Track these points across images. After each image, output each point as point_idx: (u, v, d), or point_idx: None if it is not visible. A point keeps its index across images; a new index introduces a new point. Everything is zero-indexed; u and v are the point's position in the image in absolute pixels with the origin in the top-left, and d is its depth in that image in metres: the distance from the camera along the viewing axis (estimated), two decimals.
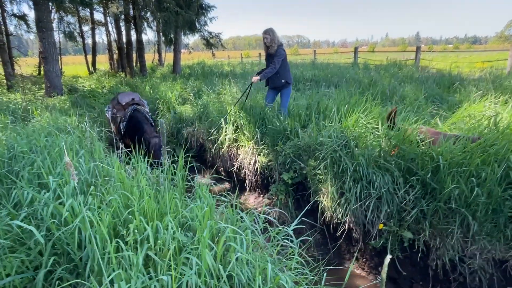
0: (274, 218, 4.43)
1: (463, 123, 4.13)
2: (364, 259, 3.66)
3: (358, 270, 3.70)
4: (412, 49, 11.21)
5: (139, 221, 1.72)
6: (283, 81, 5.21)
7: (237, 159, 5.23)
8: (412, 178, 3.05)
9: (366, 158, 3.35)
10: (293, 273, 2.05)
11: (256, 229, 2.01)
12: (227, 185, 5.80)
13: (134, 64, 16.07)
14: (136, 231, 1.67)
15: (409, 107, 5.23)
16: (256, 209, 4.97)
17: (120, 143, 4.87)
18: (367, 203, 3.26)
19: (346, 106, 4.17)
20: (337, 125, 3.90)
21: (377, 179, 3.21)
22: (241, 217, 2.22)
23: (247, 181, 5.12)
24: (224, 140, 5.26)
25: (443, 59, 14.21)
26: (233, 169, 5.27)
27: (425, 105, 5.38)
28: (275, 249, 2.03)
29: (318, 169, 3.83)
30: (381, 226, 3.18)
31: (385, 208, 3.17)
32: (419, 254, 3.03)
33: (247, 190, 5.22)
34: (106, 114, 6.00)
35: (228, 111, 5.45)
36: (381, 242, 3.24)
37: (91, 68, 17.36)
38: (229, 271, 1.59)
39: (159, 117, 7.06)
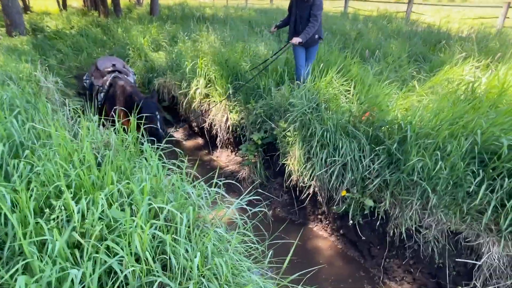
0: (243, 179, 4.43)
1: (440, 87, 3.98)
2: (327, 222, 3.71)
3: (321, 231, 3.77)
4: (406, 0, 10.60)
5: (69, 196, 1.56)
6: (316, 36, 4.20)
7: (209, 115, 5.01)
8: (379, 147, 2.95)
9: (334, 123, 3.22)
10: (243, 247, 2.00)
11: (203, 205, 1.89)
12: (199, 141, 5.64)
13: (109, 1, 14.75)
14: (63, 208, 1.52)
15: (390, 66, 5.01)
16: (227, 166, 4.90)
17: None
18: (331, 169, 3.20)
19: (322, 64, 3.91)
20: (310, 85, 3.68)
21: (343, 146, 3.11)
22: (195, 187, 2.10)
23: (218, 138, 4.96)
24: (195, 95, 4.99)
25: (436, 13, 13.61)
26: (204, 125, 5.07)
27: (407, 64, 5.15)
28: (223, 225, 1.94)
29: (288, 131, 3.70)
30: (344, 193, 3.16)
31: (349, 175, 3.11)
32: (379, 221, 3.06)
33: (219, 147, 5.10)
34: (84, 83, 4.96)
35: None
36: (344, 208, 3.24)
37: (61, 4, 15.87)
38: (163, 255, 1.50)
39: (129, 65, 6.59)
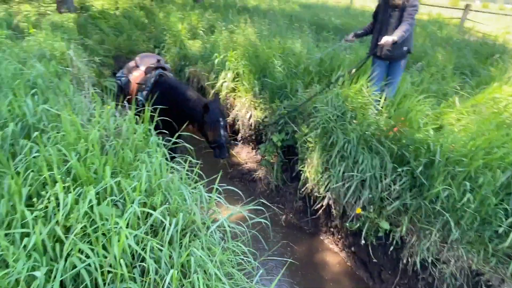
0: (260, 179, 4.32)
1: (484, 107, 3.60)
2: (339, 236, 3.53)
3: (331, 245, 3.60)
4: (463, 5, 9.80)
5: (61, 186, 1.54)
6: (404, 48, 3.53)
7: (233, 109, 4.93)
8: (402, 168, 2.72)
9: (358, 135, 3.00)
10: (236, 259, 1.91)
11: (196, 211, 1.80)
12: None
13: None
14: (51, 199, 1.50)
15: (432, 77, 4.64)
16: (246, 163, 4.81)
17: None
18: (349, 184, 3.00)
19: (354, 70, 3.67)
20: (338, 91, 3.46)
21: (364, 161, 2.90)
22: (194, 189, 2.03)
23: (240, 134, 4.88)
24: (221, 87, 4.92)
25: (496, 22, 12.51)
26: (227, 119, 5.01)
27: (451, 77, 4.74)
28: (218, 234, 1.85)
29: (309, 137, 3.53)
30: (358, 210, 2.96)
31: (367, 192, 2.91)
32: (393, 246, 2.84)
33: (240, 143, 5.02)
34: (118, 81, 4.18)
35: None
36: (357, 225, 3.05)
37: None
38: (141, 262, 1.44)
39: (163, 51, 6.65)
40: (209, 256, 1.66)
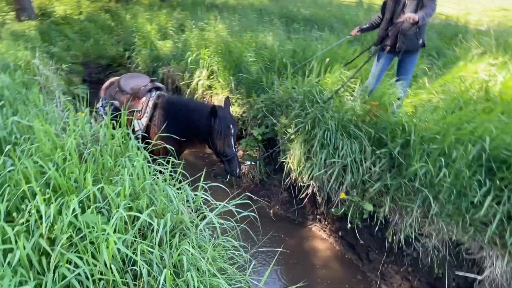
0: (244, 174, 4.32)
1: (452, 86, 3.76)
2: (326, 223, 3.61)
3: (319, 232, 3.67)
4: None
5: (41, 199, 1.49)
6: (420, 41, 3.33)
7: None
8: (381, 150, 2.80)
9: (336, 123, 3.07)
10: (227, 254, 1.92)
11: (183, 210, 1.80)
12: None
13: None
14: (32, 212, 1.45)
15: None
16: None
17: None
18: (330, 171, 3.07)
19: (328, 59, 3.73)
20: (314, 81, 3.52)
21: (344, 147, 2.97)
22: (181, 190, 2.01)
23: None
24: (197, 86, 4.88)
25: (457, 4, 12.99)
26: None
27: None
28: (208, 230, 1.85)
29: (289, 128, 3.57)
30: (342, 195, 3.04)
31: (349, 177, 2.98)
32: (378, 226, 2.93)
33: None
34: (99, 111, 3.40)
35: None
36: (342, 210, 3.13)
37: None
38: (132, 266, 1.43)
39: (134, 54, 6.50)
40: (201, 253, 1.66)
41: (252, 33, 5.82)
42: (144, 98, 3.21)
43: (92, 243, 1.45)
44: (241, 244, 1.95)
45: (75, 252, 1.38)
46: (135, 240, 1.54)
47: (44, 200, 1.52)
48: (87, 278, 1.30)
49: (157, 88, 3.36)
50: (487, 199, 2.30)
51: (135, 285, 1.42)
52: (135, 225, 1.60)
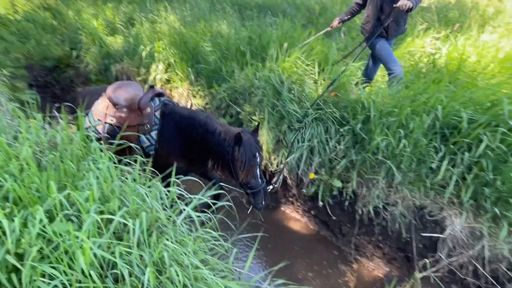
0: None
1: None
2: (298, 204, 3.70)
3: (293, 213, 3.77)
4: None
5: (3, 213, 1.39)
6: (405, 27, 3.56)
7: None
8: (344, 128, 2.91)
9: (301, 106, 3.14)
10: (207, 245, 1.91)
11: (158, 207, 1.76)
12: None
13: None
14: None
15: (354, 41, 4.94)
16: None
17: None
18: (299, 154, 3.14)
19: (286, 43, 3.76)
20: (274, 66, 3.54)
21: (309, 129, 3.04)
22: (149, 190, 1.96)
23: None
24: (155, 81, 4.72)
25: None
26: None
27: None
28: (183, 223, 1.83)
29: (254, 115, 3.59)
30: (312, 175, 3.13)
31: (317, 158, 3.07)
32: (348, 201, 3.07)
33: None
34: (94, 134, 2.70)
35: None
36: (313, 189, 3.22)
37: None
38: (112, 268, 1.39)
39: (82, 52, 6.13)
40: (181, 248, 1.65)
41: (205, 23, 5.71)
42: (148, 109, 2.73)
43: (66, 252, 1.39)
44: (221, 234, 1.96)
45: (48, 264, 1.31)
46: (111, 243, 1.48)
47: (5, 214, 1.42)
48: None
49: (159, 95, 2.87)
50: (443, 163, 2.49)
51: (116, 287, 1.38)
52: (109, 229, 1.54)
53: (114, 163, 2.03)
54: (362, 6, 3.64)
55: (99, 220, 1.45)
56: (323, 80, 3.42)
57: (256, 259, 3.06)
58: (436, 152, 2.57)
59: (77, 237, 1.37)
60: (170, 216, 1.81)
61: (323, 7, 7.32)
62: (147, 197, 1.76)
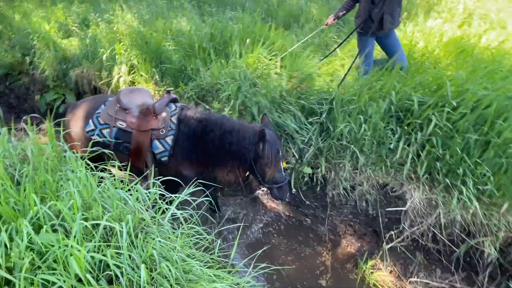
0: None
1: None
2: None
3: (269, 202, 3.92)
4: None
5: None
6: (400, 19, 3.49)
7: None
8: (311, 118, 3.09)
9: (269, 100, 3.27)
10: (192, 240, 2.01)
11: (141, 208, 1.83)
12: None
13: None
14: None
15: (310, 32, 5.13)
16: None
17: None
18: None
19: (248, 39, 3.87)
20: (238, 62, 3.65)
21: (279, 121, 3.19)
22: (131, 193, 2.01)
23: None
24: (119, 83, 4.65)
25: None
26: None
27: (328, 28, 5.32)
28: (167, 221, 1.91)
29: (223, 112, 3.67)
30: (284, 164, 3.29)
31: (288, 147, 3.24)
32: (318, 185, 3.27)
33: None
34: (98, 136, 2.64)
35: None
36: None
37: None
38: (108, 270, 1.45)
39: (36, 58, 5.84)
40: (168, 245, 1.73)
41: (164, 20, 5.65)
42: (164, 114, 2.62)
43: (55, 261, 1.43)
44: (204, 229, 2.06)
45: (41, 273, 1.35)
46: (100, 247, 1.55)
47: None
48: None
49: (174, 100, 2.79)
50: (400, 143, 2.74)
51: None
52: (96, 233, 1.59)
53: (92, 170, 2.06)
54: (355, 1, 3.64)
55: (88, 226, 1.50)
56: (286, 73, 3.57)
57: (239, 248, 3.18)
58: (393, 134, 2.82)
59: (67, 245, 1.42)
60: (154, 217, 1.88)
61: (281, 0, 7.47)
62: (129, 200, 1.82)
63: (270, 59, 3.73)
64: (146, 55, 4.49)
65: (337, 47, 3.90)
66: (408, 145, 2.77)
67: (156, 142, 2.59)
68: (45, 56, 5.80)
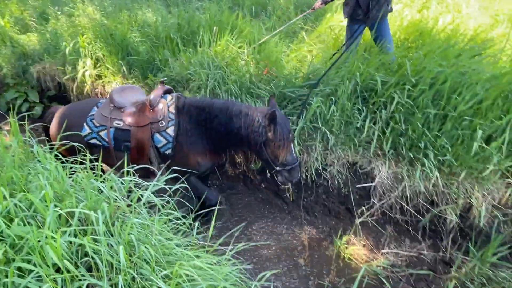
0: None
1: (325, 35, 4.33)
2: (248, 179, 3.93)
3: (245, 187, 3.99)
4: None
5: None
6: (389, 6, 3.40)
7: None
8: (283, 102, 3.16)
9: (238, 87, 3.30)
10: (169, 225, 2.03)
11: (117, 196, 1.83)
12: None
13: None
14: None
15: (279, 21, 5.20)
16: None
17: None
18: None
19: (215, 28, 3.86)
20: (207, 51, 3.64)
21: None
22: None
23: None
24: (84, 78, 4.51)
25: None
26: None
27: (295, 16, 5.39)
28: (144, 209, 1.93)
29: None
30: None
31: None
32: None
33: None
34: (95, 140, 2.64)
35: None
36: (260, 164, 3.46)
37: None
38: (86, 257, 1.46)
39: None
40: (145, 230, 1.75)
41: (129, 12, 5.51)
42: (161, 105, 2.55)
43: (32, 252, 1.42)
44: (182, 215, 2.09)
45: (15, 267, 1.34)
46: (75, 235, 1.54)
47: None
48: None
49: (168, 91, 2.71)
50: (366, 122, 2.87)
51: (92, 276, 1.46)
52: (71, 223, 1.59)
53: (62, 162, 2.02)
54: None
55: (63, 214, 1.49)
56: (254, 59, 3.61)
57: (218, 231, 3.23)
58: (360, 114, 2.95)
59: (41, 235, 1.41)
60: (130, 204, 1.89)
61: None
62: (104, 189, 1.81)
63: (240, 47, 3.75)
64: (111, 47, 4.38)
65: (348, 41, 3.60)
66: (374, 123, 2.91)
67: (158, 136, 2.53)
68: (1, 53, 5.50)
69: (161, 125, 2.51)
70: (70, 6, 6.18)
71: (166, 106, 2.55)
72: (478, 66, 2.92)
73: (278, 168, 2.53)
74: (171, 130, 2.52)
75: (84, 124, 2.63)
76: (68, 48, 4.60)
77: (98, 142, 2.62)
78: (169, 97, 2.63)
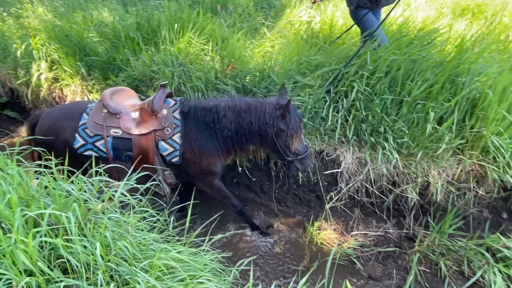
0: None
1: (286, 31, 4.43)
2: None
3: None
4: None
5: None
6: None
7: (65, 100, 4.42)
8: (249, 95, 3.21)
9: (204, 83, 3.31)
10: (144, 223, 2.02)
11: (88, 197, 1.79)
12: None
13: None
14: None
15: (241, 18, 5.24)
16: None
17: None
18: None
19: (177, 25, 3.83)
20: (170, 49, 3.61)
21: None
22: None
23: None
24: (40, 82, 4.28)
25: None
26: None
27: (255, 13, 5.47)
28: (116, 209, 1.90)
29: None
30: None
31: None
32: (262, 160, 3.43)
33: None
34: (93, 152, 2.46)
35: None
36: (230, 158, 3.49)
37: None
38: (61, 259, 1.42)
39: None
40: (120, 229, 1.74)
41: (83, 12, 5.29)
42: (165, 111, 2.42)
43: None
44: (156, 212, 2.08)
45: None
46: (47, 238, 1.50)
47: None
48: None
49: (169, 95, 2.58)
50: (330, 111, 3.00)
51: (67, 277, 1.43)
52: (40, 227, 1.54)
53: (26, 167, 1.94)
54: None
55: (33, 216, 1.45)
56: (218, 55, 3.63)
57: (193, 223, 3.22)
58: (325, 104, 3.07)
59: (9, 239, 1.36)
60: (101, 204, 1.85)
61: None
62: (73, 190, 1.76)
63: (203, 44, 3.75)
64: (67, 48, 4.20)
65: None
66: (337, 112, 3.05)
67: (163, 143, 2.42)
68: None
69: (166, 132, 2.41)
70: (18, 7, 5.81)
71: (170, 111, 2.45)
72: (427, 54, 3.14)
73: (289, 159, 2.53)
74: (177, 137, 2.43)
75: (76, 134, 2.43)
76: (20, 50, 4.34)
77: (95, 154, 2.42)
78: (171, 101, 2.54)
